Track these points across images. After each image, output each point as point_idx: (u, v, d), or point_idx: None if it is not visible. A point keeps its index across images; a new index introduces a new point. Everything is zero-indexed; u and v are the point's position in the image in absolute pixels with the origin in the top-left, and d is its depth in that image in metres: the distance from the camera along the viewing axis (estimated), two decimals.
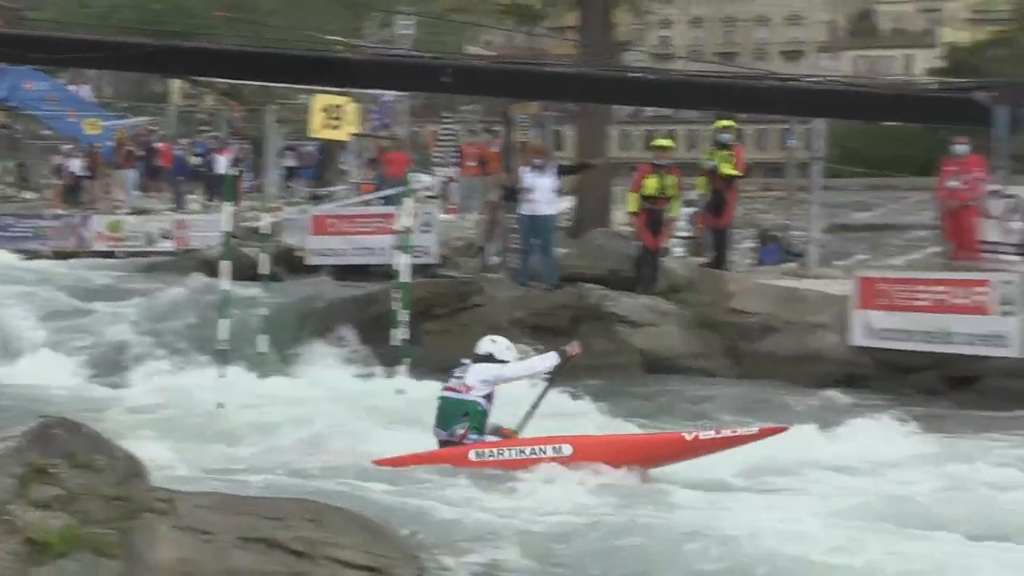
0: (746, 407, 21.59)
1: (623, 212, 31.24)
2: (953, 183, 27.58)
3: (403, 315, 22.67)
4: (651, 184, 27.37)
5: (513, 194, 28.38)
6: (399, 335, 22.71)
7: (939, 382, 23.47)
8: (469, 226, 35.44)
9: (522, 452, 16.44)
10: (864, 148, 63.41)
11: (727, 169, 28.90)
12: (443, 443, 16.75)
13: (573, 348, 17.45)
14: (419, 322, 24.39)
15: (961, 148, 27.47)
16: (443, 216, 35.55)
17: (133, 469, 10.65)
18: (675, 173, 28.45)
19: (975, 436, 19.67)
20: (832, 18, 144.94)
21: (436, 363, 23.72)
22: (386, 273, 26.77)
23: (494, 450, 16.45)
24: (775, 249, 35.61)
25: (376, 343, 24.87)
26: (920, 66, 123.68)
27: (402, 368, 22.54)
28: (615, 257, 28.07)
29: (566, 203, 30.10)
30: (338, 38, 40.19)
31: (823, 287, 27.05)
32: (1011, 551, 13.00)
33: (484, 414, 16.68)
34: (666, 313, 26.25)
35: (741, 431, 17.08)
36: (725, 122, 30.05)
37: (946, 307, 23.54)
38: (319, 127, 37.68)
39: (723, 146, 29.16)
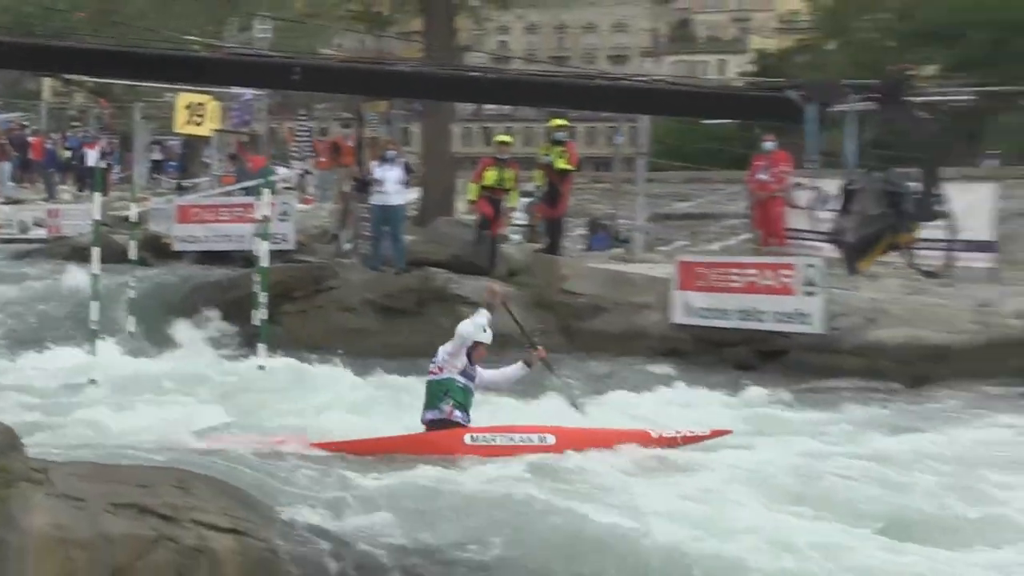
0: (580, 379, 21.69)
1: (465, 202, 31.34)
2: (762, 176, 28.33)
3: (262, 297, 22.50)
4: (490, 176, 27.66)
5: (365, 185, 28.45)
6: (259, 316, 22.55)
7: (751, 356, 23.71)
8: (324, 215, 35.42)
9: (511, 439, 16.19)
10: (683, 145, 64.11)
11: (561, 163, 29.15)
12: (431, 423, 16.38)
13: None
14: (278, 304, 24.33)
15: (769, 145, 28.29)
16: (299, 206, 35.49)
17: (8, 441, 10.58)
18: (513, 167, 28.76)
19: (784, 406, 19.87)
20: (654, 26, 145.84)
21: (294, 341, 24.16)
22: (246, 259, 26.72)
23: (487, 435, 16.18)
24: (604, 236, 35.79)
25: (238, 323, 24.92)
26: (732, 70, 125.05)
27: (262, 346, 22.35)
28: (458, 243, 28.14)
29: (413, 194, 30.09)
30: (197, 39, 40.19)
31: (647, 271, 27.21)
32: (815, 518, 13.22)
33: (465, 390, 16.38)
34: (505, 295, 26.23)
35: (697, 431, 17.00)
36: (559, 121, 30.20)
37: (756, 288, 23.84)
38: (183, 123, 37.72)
39: (557, 142, 29.32)
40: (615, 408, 19.09)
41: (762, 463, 15.73)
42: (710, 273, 24.93)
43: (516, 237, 31.86)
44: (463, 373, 16.42)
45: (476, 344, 16.76)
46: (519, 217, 32.73)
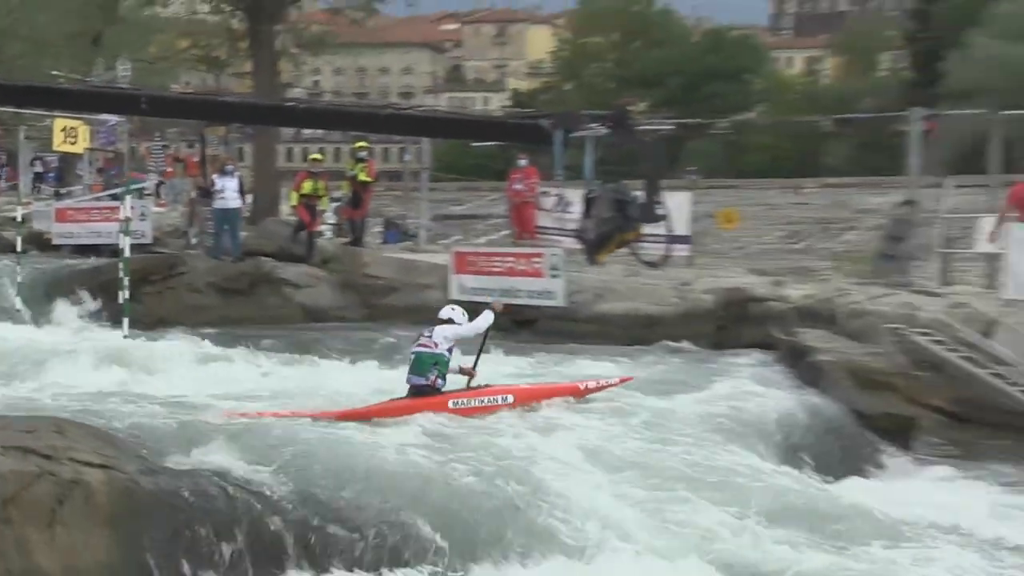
0: (379, 343, 21.86)
1: (287, 206, 31.34)
2: (517, 186, 28.88)
3: (126, 281, 22.08)
4: (307, 186, 27.94)
5: (208, 193, 28.25)
6: (123, 296, 22.11)
7: (510, 324, 23.74)
8: (175, 216, 34.95)
9: (482, 401, 15.81)
10: (457, 161, 64.37)
11: (363, 176, 29.70)
12: (418, 387, 15.74)
13: (497, 305, 16.90)
14: (138, 286, 23.86)
15: (522, 162, 29.05)
16: (155, 209, 34.85)
17: None
18: (324, 178, 29.17)
19: (537, 363, 19.89)
20: (433, 70, 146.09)
21: (152, 316, 23.83)
22: (113, 250, 26.07)
23: (465, 400, 15.77)
24: (396, 232, 35.82)
25: (106, 302, 24.44)
26: (495, 105, 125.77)
27: (126, 320, 21.89)
28: (281, 238, 28.26)
29: (246, 199, 29.75)
30: (67, 75, 39.69)
31: (430, 259, 27.31)
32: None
33: (448, 363, 15.83)
34: (320, 278, 26.47)
35: (611, 380, 16.89)
36: (361, 143, 30.94)
37: (514, 272, 24.24)
38: (60, 143, 37.02)
39: (360, 160, 29.73)
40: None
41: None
42: (478, 260, 25.10)
43: (328, 234, 31.75)
44: (449, 350, 15.89)
45: None
46: (330, 218, 32.74)
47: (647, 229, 12.89)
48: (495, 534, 11.20)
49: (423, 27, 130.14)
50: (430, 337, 15.85)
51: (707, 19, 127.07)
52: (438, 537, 11.04)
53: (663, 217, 12.24)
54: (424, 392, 15.57)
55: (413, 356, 15.94)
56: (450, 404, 15.61)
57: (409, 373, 15.86)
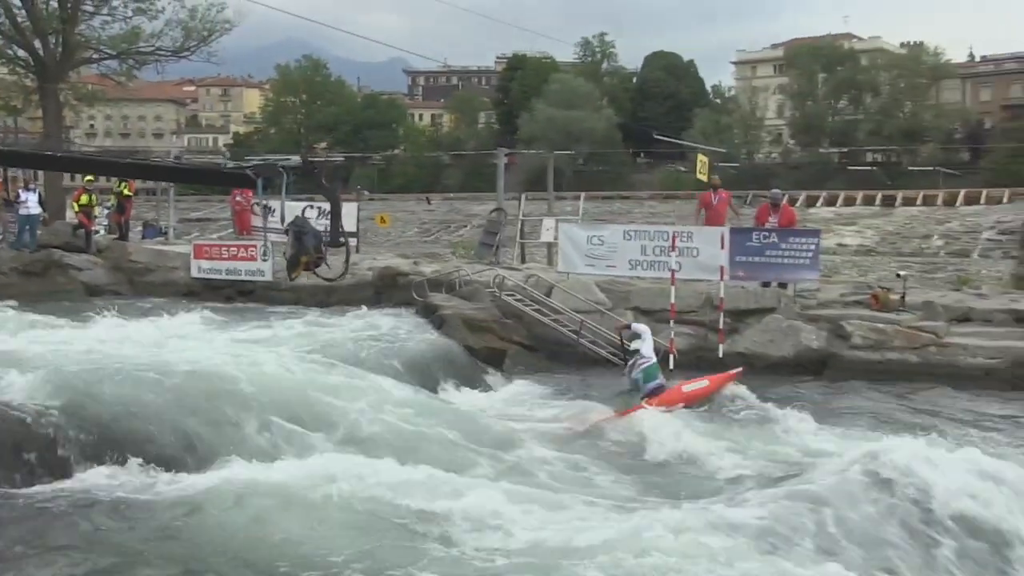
0: (153, 310, 19.69)
1: (71, 212, 29.31)
2: (239, 198, 27.30)
3: None
4: (84, 198, 25.95)
5: (11, 203, 25.95)
6: None
7: (234, 294, 23.04)
8: None
9: (694, 387, 13.34)
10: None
11: (126, 191, 27.96)
12: (657, 387, 13.06)
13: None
14: None
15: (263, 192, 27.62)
16: None
17: None
18: (97, 192, 27.25)
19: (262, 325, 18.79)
20: (177, 118, 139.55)
21: None
22: None
23: (690, 384, 13.46)
24: (153, 230, 34.37)
25: None
26: (221, 143, 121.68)
27: None
28: (67, 236, 26.08)
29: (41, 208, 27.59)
30: None
31: (177, 249, 26.01)
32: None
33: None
34: (97, 263, 24.83)
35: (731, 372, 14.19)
36: None
37: (237, 258, 23.38)
38: None
39: (123, 182, 27.58)
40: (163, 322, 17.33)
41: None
42: (211, 249, 24.10)
43: (102, 232, 29.86)
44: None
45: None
46: (102, 221, 30.82)
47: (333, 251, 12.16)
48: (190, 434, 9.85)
49: (168, 88, 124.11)
50: (642, 355, 13.50)
51: (366, 87, 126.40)
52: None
53: (343, 244, 11.73)
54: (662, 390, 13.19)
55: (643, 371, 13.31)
56: (684, 388, 13.37)
57: (643, 383, 13.22)
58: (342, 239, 11.43)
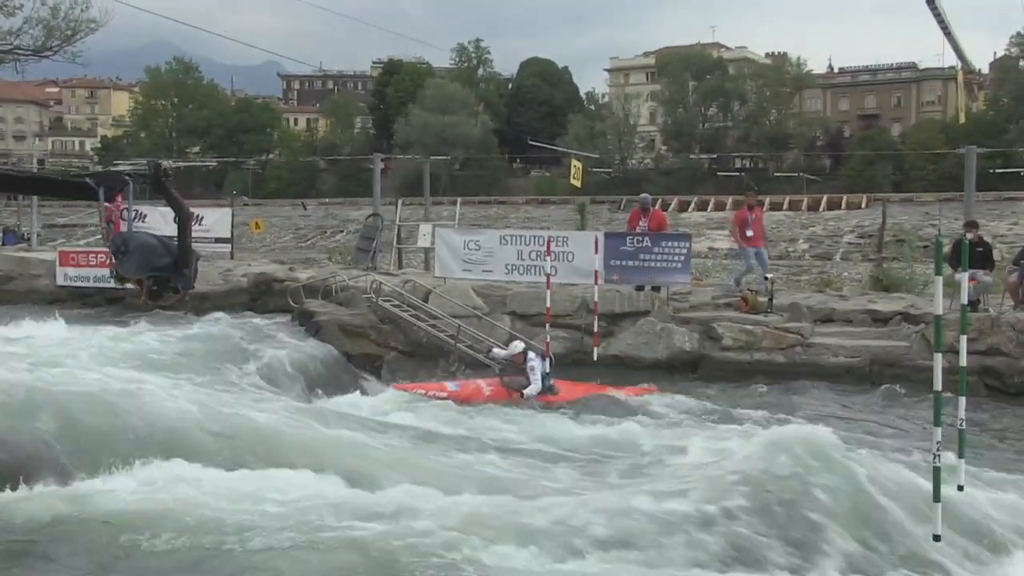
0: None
1: None
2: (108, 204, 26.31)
3: None
4: None
5: None
6: None
7: (102, 301, 22.29)
8: None
9: None
10: None
11: None
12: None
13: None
14: None
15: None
16: None
17: None
18: None
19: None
20: (40, 120, 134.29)
21: None
22: None
23: None
24: (13, 236, 33.12)
25: None
26: (89, 146, 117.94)
27: None
28: None
29: None
30: None
31: (41, 256, 25.04)
32: None
33: None
34: None
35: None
36: None
37: (106, 264, 22.38)
38: None
39: None
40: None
41: None
42: (79, 256, 23.26)
43: None
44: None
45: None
46: None
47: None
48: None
49: (29, 88, 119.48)
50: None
51: (240, 91, 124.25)
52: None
53: (186, 271, 8.75)
54: None
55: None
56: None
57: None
58: (187, 262, 8.64)
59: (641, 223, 19.33)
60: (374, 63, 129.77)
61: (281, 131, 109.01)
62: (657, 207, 20.46)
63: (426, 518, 8.14)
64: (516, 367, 14.88)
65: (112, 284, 8.91)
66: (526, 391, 14.48)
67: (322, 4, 40.10)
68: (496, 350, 15.65)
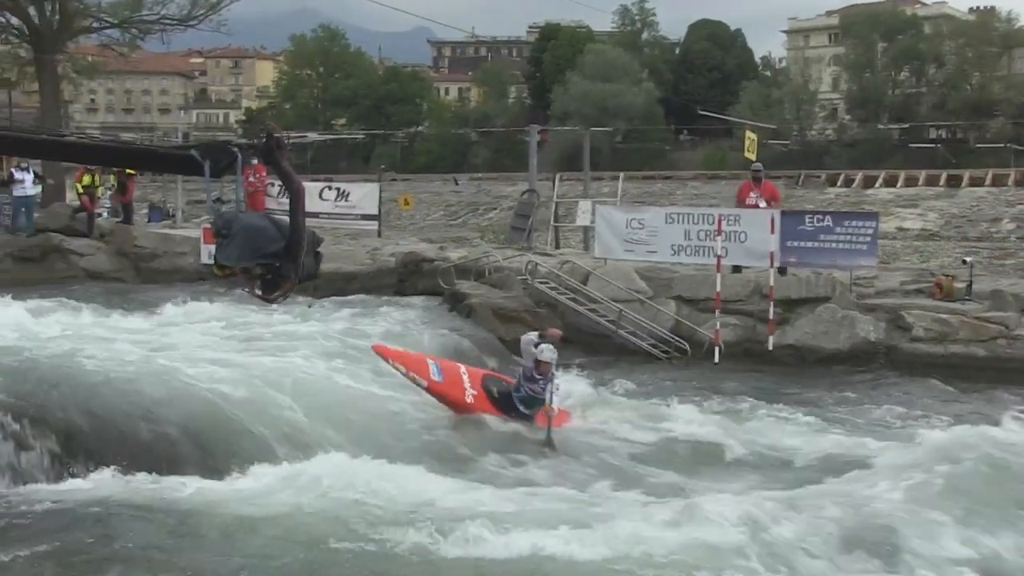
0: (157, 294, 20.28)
1: (72, 194, 29.34)
2: (251, 179, 26.84)
3: None
4: (87, 179, 25.76)
5: (6, 183, 26.11)
6: None
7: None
8: None
9: None
10: None
11: (127, 170, 27.36)
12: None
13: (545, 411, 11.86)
14: None
15: (254, 160, 27.25)
16: None
17: None
18: (99, 172, 26.49)
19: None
20: (185, 92, 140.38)
21: None
22: None
23: None
24: (159, 213, 34.63)
25: None
26: (232, 120, 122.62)
27: None
28: (67, 218, 26.23)
29: (39, 188, 27.70)
30: None
31: (185, 233, 26.16)
32: None
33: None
34: (99, 248, 24.86)
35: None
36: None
37: None
38: None
39: None
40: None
41: None
42: None
43: (105, 214, 29.91)
44: (523, 372, 12.28)
45: (537, 361, 12.01)
46: (105, 203, 30.70)
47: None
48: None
49: (174, 60, 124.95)
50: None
51: (388, 59, 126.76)
52: None
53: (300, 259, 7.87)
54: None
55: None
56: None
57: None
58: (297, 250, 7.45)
59: (752, 194, 18.96)
60: (530, 28, 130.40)
61: (431, 101, 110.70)
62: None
63: None
64: (528, 376, 12.14)
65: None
66: (548, 413, 11.69)
67: None
68: (531, 336, 12.63)
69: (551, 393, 11.73)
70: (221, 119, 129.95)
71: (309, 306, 15.56)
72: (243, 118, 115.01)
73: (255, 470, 9.76)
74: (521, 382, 12.20)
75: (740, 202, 19.30)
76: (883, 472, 9.64)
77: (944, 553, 7.79)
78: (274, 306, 8.26)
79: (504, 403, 12.25)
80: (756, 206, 18.75)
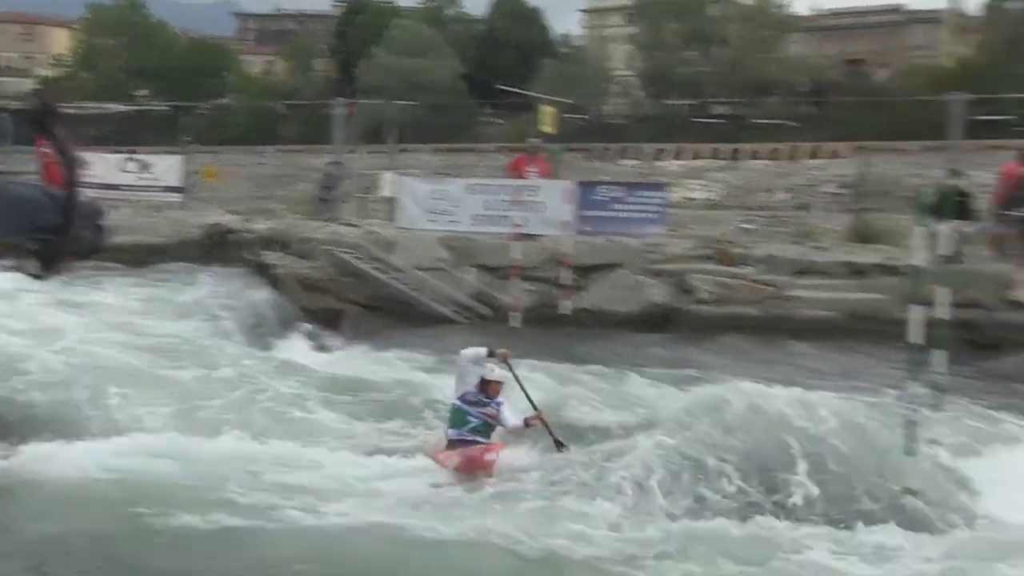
0: None
1: None
2: (46, 149, 25.74)
3: None
4: None
5: None
6: None
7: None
8: None
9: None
10: None
11: None
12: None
13: (536, 416, 9.82)
14: None
15: None
16: None
17: None
18: None
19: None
20: None
21: None
22: None
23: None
24: None
25: None
26: (25, 87, 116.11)
27: None
28: None
29: None
30: None
31: None
32: None
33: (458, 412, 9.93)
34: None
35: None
36: None
37: None
38: None
39: None
40: None
41: None
42: None
43: None
44: (463, 399, 9.85)
45: (485, 380, 9.83)
46: None
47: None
48: None
49: None
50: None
51: (194, 30, 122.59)
52: None
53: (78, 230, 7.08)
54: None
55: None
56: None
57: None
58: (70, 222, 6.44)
59: (530, 170, 19.33)
60: (336, 2, 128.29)
61: (237, 74, 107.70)
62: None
63: None
64: (472, 400, 9.89)
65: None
66: (542, 417, 9.92)
67: None
68: (476, 351, 10.18)
69: (507, 411, 9.82)
70: (9, 88, 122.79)
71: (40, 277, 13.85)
72: (38, 87, 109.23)
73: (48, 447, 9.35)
74: (467, 412, 9.79)
75: (515, 174, 19.51)
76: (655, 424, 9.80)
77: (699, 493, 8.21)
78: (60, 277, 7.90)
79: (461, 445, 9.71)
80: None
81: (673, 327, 16.73)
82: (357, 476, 9.30)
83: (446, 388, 10.80)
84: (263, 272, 17.96)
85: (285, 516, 7.93)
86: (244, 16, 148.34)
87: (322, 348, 15.84)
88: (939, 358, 9.18)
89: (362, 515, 8.05)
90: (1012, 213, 17.04)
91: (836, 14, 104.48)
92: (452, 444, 9.64)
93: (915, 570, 7.26)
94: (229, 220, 22.89)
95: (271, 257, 18.51)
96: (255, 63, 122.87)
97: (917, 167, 38.16)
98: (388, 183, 23.29)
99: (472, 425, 9.71)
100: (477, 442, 9.59)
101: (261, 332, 15.21)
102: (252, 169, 59.84)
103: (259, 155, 66.71)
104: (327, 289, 17.56)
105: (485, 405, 9.77)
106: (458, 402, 9.82)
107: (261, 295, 16.81)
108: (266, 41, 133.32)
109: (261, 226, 21.63)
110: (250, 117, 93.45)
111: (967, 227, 16.77)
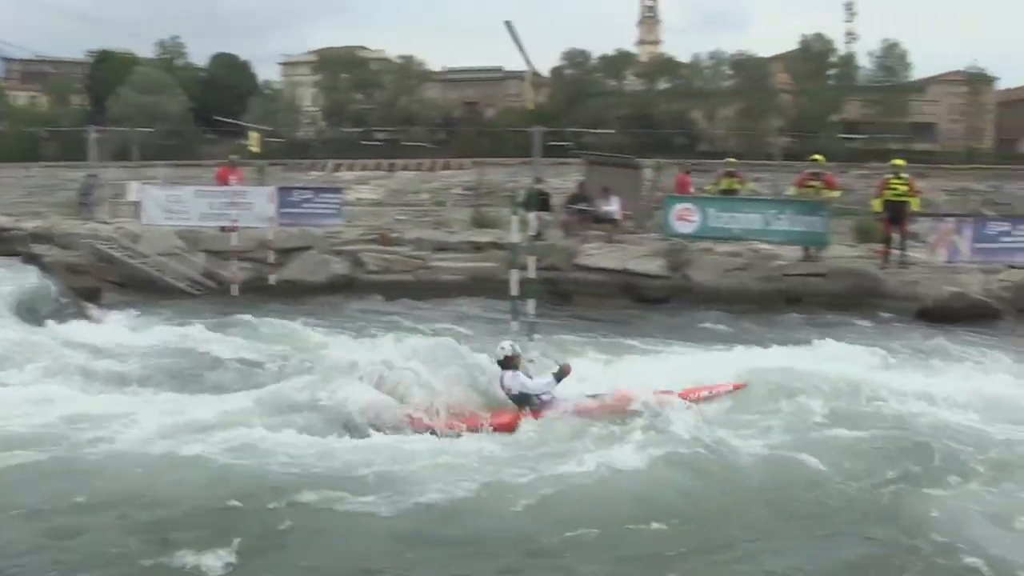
0: None
1: None
2: None
3: None
4: None
5: None
6: None
7: None
8: None
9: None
10: None
11: None
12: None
13: (567, 368, 8.03)
14: None
15: None
16: None
17: None
18: None
19: None
20: None
21: None
22: None
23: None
24: None
25: None
26: None
27: None
28: None
29: None
30: None
31: None
32: None
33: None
34: None
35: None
36: None
37: None
38: None
39: None
40: None
41: None
42: None
43: None
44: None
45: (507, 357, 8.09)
46: None
47: None
48: None
49: None
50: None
51: None
52: None
53: None
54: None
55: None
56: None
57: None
58: None
59: (232, 179, 18.77)
60: (88, 52, 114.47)
61: (5, 104, 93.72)
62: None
63: None
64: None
65: None
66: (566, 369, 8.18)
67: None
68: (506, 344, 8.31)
69: (530, 375, 8.28)
70: None
71: None
72: None
73: None
74: (512, 387, 8.09)
75: (222, 182, 18.63)
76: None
77: None
78: None
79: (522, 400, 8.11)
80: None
81: (352, 291, 16.65)
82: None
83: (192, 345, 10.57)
84: (35, 261, 16.01)
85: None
86: (9, 59, 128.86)
87: (86, 319, 14.33)
88: (530, 305, 9.84)
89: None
90: (573, 207, 18.32)
91: (457, 70, 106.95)
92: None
93: None
94: (2, 220, 20.18)
95: (40, 248, 16.54)
96: (20, 96, 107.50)
97: (514, 176, 40.21)
98: (134, 190, 21.48)
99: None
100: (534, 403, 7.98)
101: (32, 310, 13.46)
102: (21, 180, 52.61)
103: (26, 169, 58.77)
104: (88, 272, 15.95)
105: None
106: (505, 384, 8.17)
107: (31, 279, 14.92)
108: (29, 80, 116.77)
109: (30, 224, 19.27)
110: (17, 140, 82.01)
111: (546, 216, 17.88)
